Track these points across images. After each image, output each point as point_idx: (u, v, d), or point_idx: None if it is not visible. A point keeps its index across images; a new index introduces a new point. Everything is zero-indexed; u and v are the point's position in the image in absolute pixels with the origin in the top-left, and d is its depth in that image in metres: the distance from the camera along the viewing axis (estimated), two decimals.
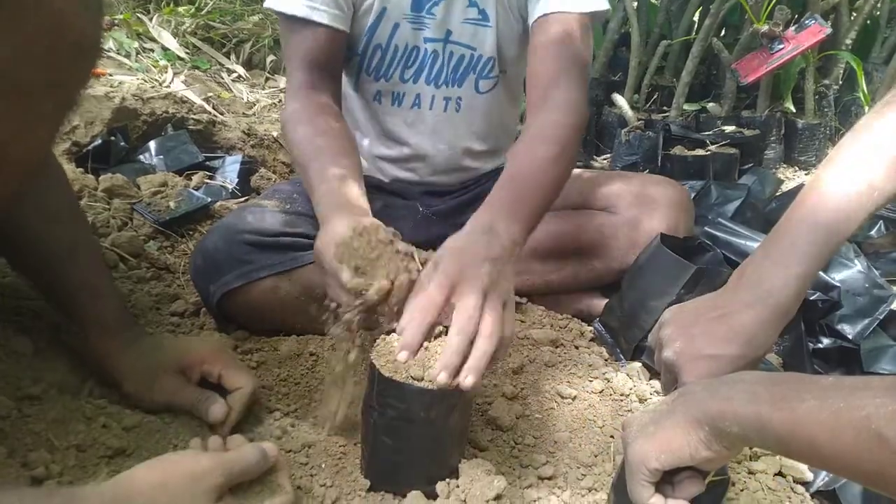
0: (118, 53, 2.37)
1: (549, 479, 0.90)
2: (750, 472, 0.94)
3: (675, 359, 0.79)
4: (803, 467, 0.94)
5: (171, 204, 1.57)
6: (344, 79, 1.28)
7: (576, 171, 1.43)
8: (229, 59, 2.71)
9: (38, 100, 0.53)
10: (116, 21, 2.58)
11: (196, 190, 1.65)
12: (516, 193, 0.93)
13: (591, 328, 1.30)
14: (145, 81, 2.11)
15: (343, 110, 1.26)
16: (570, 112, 1.04)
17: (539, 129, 1.02)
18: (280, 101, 2.51)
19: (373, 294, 0.81)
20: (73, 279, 0.91)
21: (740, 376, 0.61)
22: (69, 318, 0.94)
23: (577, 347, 1.23)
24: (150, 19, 2.68)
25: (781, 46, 2.07)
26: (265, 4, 1.17)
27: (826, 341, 1.20)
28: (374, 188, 1.37)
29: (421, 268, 0.84)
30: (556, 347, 1.21)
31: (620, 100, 2.33)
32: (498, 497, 0.80)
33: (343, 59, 1.23)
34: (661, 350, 0.81)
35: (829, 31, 2.01)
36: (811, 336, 1.19)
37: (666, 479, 0.66)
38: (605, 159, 2.42)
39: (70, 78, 0.55)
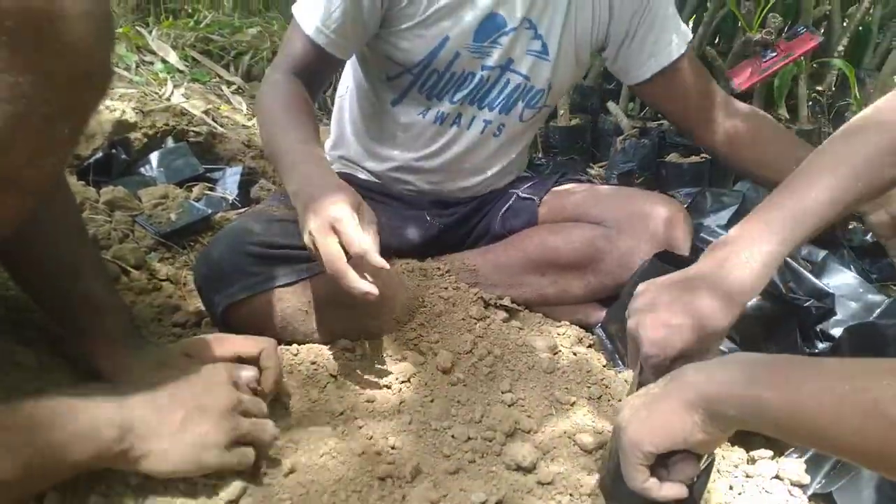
0: (118, 66, 2.39)
1: (549, 483, 0.91)
2: (747, 476, 0.95)
3: (635, 327, 0.81)
4: (801, 470, 0.95)
5: (172, 216, 1.58)
6: (381, 90, 1.33)
7: (571, 184, 1.45)
8: (228, 71, 2.74)
9: (54, 126, 0.55)
10: (116, 34, 2.60)
11: (197, 202, 1.67)
12: None
13: (588, 335, 1.31)
14: (145, 94, 2.13)
15: (368, 118, 1.37)
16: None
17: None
18: None
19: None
20: (78, 295, 0.92)
21: (735, 358, 0.61)
22: (75, 333, 0.95)
23: (574, 354, 1.25)
24: (150, 32, 2.71)
25: (774, 54, 2.09)
26: (294, 7, 1.22)
27: (822, 346, 1.21)
28: (381, 195, 1.39)
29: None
30: (554, 354, 1.22)
31: (615, 108, 2.35)
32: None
33: (326, 81, 1.33)
34: (628, 320, 0.84)
35: (820, 39, 2.03)
36: (806, 342, 1.20)
37: (660, 463, 0.66)
38: (601, 167, 2.44)
39: (83, 105, 0.58)
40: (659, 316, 0.80)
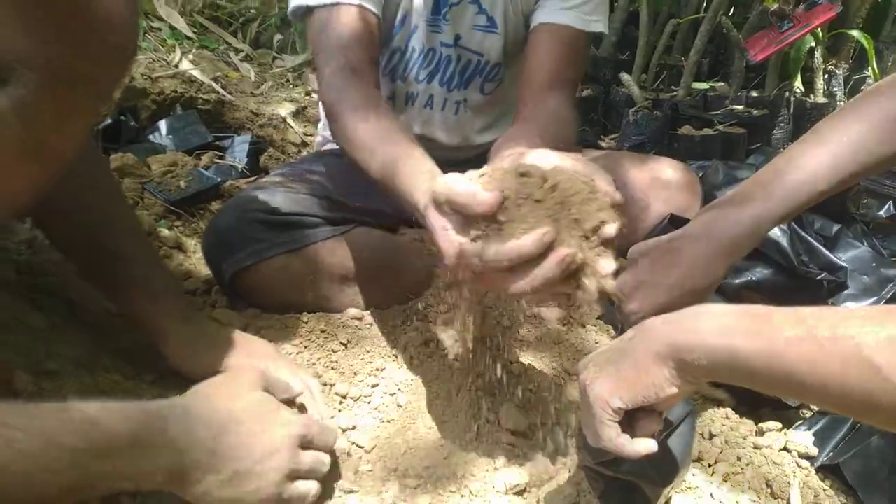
0: None
1: (557, 454, 0.91)
2: (755, 447, 0.95)
3: (620, 287, 0.79)
4: (809, 442, 0.96)
5: (182, 183, 1.58)
6: None
7: (585, 150, 1.44)
8: (236, 38, 2.71)
9: (82, 95, 0.56)
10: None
11: (206, 170, 1.67)
12: None
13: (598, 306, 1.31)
14: (154, 61, 2.11)
15: None
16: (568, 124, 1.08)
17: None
18: (287, 80, 2.51)
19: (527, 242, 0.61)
20: (113, 246, 0.91)
21: (707, 308, 0.58)
22: (110, 286, 0.94)
23: (583, 326, 1.25)
24: None
25: (791, 25, 2.06)
26: (290, 6, 1.13)
27: None
28: None
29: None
30: (564, 325, 1.22)
31: (628, 79, 2.32)
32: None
33: (377, 49, 1.16)
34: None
35: (839, 9, 1.99)
36: None
37: (624, 420, 0.63)
38: (612, 139, 2.41)
39: (110, 76, 0.58)
40: (638, 275, 0.80)
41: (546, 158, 0.69)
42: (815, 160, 0.80)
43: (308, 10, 1.11)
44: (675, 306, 0.69)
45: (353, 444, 0.92)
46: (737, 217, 0.80)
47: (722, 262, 0.80)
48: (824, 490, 0.90)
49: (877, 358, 0.45)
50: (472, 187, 0.63)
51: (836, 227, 1.37)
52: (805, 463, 0.94)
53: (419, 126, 1.34)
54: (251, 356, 0.93)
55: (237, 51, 2.60)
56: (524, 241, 0.60)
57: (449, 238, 0.66)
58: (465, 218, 0.65)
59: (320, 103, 1.50)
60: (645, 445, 0.62)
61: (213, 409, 0.70)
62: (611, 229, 0.62)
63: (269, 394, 0.78)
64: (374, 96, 1.05)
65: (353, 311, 1.17)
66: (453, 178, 0.67)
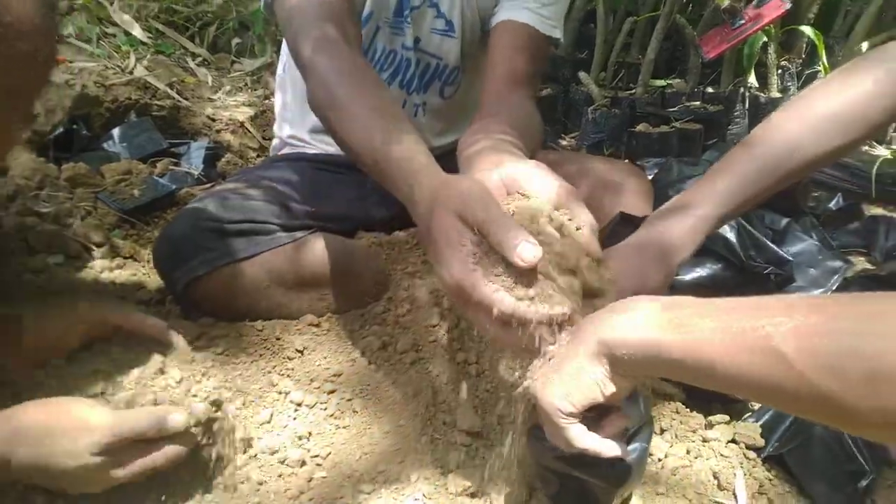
0: (79, 39, 2.32)
1: (513, 454, 0.92)
2: (704, 440, 0.97)
3: None
4: (756, 434, 0.98)
5: (136, 192, 1.56)
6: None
7: (542, 151, 1.45)
8: (194, 42, 2.67)
9: None
10: (76, 5, 2.52)
11: (161, 177, 1.65)
12: None
13: None
14: (107, 68, 2.08)
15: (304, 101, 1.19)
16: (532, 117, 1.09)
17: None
18: (246, 84, 2.48)
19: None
20: None
21: (635, 302, 0.60)
22: None
23: None
24: (112, 3, 2.63)
25: (742, 21, 2.09)
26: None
27: None
28: (341, 167, 1.37)
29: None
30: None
31: (587, 78, 2.35)
32: None
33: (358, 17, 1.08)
34: None
35: (788, 6, 2.03)
36: None
37: (587, 421, 0.64)
38: (572, 137, 2.44)
39: (25, 85, 0.57)
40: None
41: (530, 178, 0.72)
42: (751, 164, 0.83)
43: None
44: None
45: (307, 451, 0.92)
46: (680, 222, 0.84)
47: (668, 264, 0.83)
48: (769, 480, 0.92)
49: (783, 347, 0.47)
50: (521, 232, 0.62)
51: (784, 221, 1.40)
52: (752, 454, 0.96)
53: None
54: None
55: (194, 55, 2.57)
56: (540, 313, 0.62)
57: (466, 269, 0.64)
58: (488, 251, 0.64)
59: (277, 101, 1.48)
60: (609, 447, 0.64)
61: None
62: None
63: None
64: (364, 63, 0.98)
65: (309, 318, 1.17)
66: (486, 198, 0.66)
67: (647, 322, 0.56)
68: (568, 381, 0.62)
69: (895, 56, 0.84)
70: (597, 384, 0.60)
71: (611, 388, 0.60)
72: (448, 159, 1.34)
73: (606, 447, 0.63)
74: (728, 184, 0.84)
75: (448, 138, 1.41)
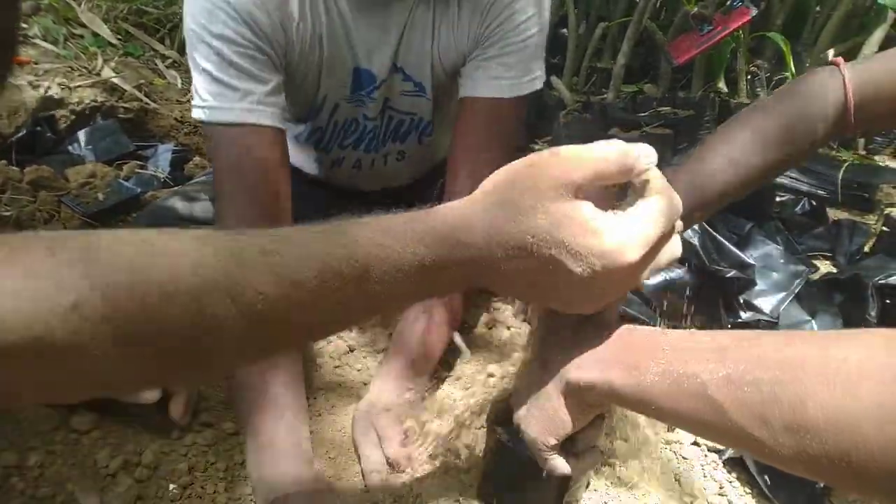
0: (44, 40, 2.28)
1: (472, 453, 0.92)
2: (666, 443, 0.98)
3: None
4: None
5: (100, 195, 1.54)
6: None
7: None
8: (163, 44, 2.64)
9: None
10: (43, 5, 2.48)
11: (127, 180, 1.62)
12: None
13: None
14: (73, 69, 2.04)
15: None
16: None
17: None
18: None
19: None
20: None
21: (593, 339, 0.61)
22: None
23: (509, 328, 1.26)
24: (80, 4, 2.59)
25: (711, 28, 2.11)
26: (194, 115, 0.98)
27: (745, 315, 1.24)
28: (315, 185, 1.36)
29: None
30: (490, 328, 1.24)
31: (559, 82, 2.36)
32: None
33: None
34: None
35: (754, 13, 2.06)
36: (730, 312, 1.23)
37: (567, 449, 0.68)
38: (545, 141, 2.44)
39: None
40: None
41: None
42: (701, 176, 0.84)
43: (209, 125, 0.97)
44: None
45: None
46: None
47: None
48: (730, 482, 0.93)
49: (717, 396, 0.49)
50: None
51: (748, 226, 1.42)
52: (713, 456, 0.97)
53: (345, 180, 1.34)
54: None
55: (164, 57, 2.53)
56: None
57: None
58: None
59: None
60: (560, 465, 0.67)
61: None
62: None
63: None
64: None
65: None
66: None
67: (603, 363, 0.59)
68: (546, 416, 0.65)
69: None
70: (571, 420, 0.64)
71: (581, 422, 0.64)
72: (421, 184, 1.32)
73: (559, 466, 0.67)
74: (693, 182, 0.85)
75: (426, 169, 1.41)
